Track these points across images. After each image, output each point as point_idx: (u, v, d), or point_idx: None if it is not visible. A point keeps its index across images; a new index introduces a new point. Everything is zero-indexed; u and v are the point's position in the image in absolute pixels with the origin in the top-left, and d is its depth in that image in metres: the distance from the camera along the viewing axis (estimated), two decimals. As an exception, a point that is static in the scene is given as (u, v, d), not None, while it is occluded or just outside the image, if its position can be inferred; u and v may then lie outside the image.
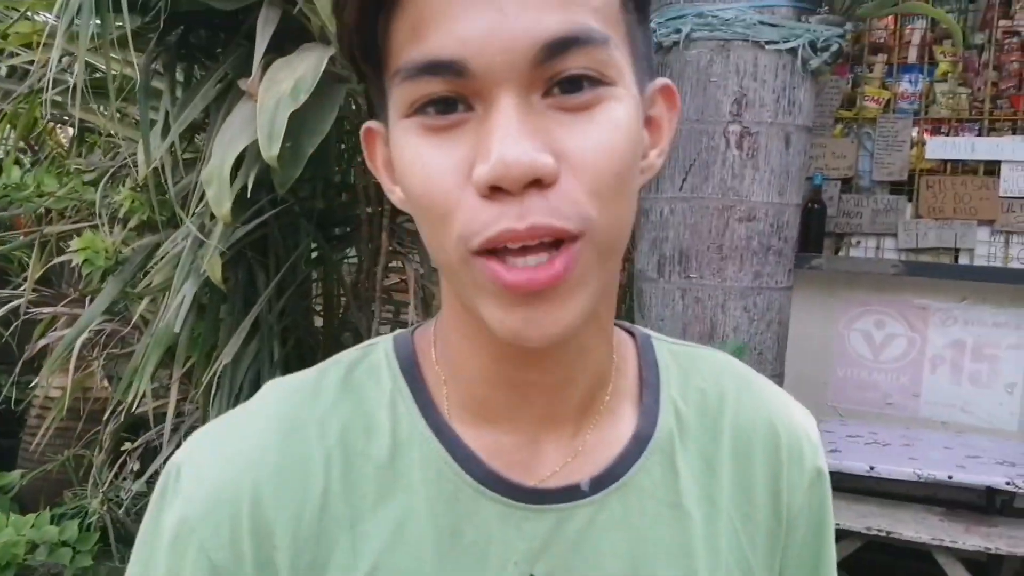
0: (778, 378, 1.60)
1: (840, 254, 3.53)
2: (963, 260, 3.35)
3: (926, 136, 3.38)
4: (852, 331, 3.51)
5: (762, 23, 1.38)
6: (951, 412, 3.37)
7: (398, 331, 0.59)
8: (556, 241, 0.44)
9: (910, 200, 3.42)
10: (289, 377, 0.57)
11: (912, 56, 3.43)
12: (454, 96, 0.44)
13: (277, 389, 0.55)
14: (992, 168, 3.30)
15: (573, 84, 0.44)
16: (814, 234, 3.45)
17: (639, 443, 0.57)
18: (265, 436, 0.52)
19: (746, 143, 1.43)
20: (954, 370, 3.38)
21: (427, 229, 0.48)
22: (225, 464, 0.51)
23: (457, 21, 0.42)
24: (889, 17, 3.43)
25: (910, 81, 3.43)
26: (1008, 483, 2.60)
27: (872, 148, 3.45)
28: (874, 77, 3.48)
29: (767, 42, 1.39)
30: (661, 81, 0.52)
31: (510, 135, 0.42)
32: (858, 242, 3.51)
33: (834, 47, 1.41)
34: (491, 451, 0.54)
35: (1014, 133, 3.28)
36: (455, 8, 0.42)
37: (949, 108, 3.37)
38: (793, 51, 1.39)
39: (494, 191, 0.43)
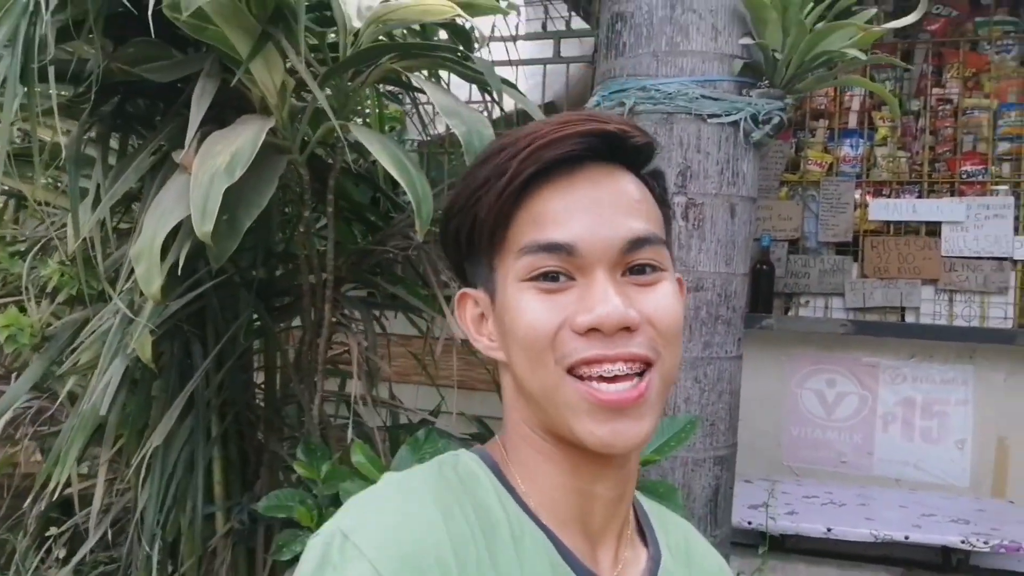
0: (731, 448, 1.57)
1: (790, 314, 3.56)
2: (909, 318, 3.40)
3: (868, 198, 3.47)
4: (804, 390, 3.53)
5: (704, 97, 1.39)
6: (904, 469, 3.38)
7: (467, 448, 0.70)
8: (639, 373, 0.61)
9: (856, 260, 3.48)
10: (410, 470, 0.67)
11: (852, 121, 3.54)
12: (562, 270, 0.62)
13: (412, 478, 0.65)
14: (933, 229, 3.39)
15: (642, 269, 0.63)
16: (763, 295, 3.49)
17: (654, 565, 0.70)
18: (430, 511, 0.61)
19: (692, 214, 1.42)
20: (905, 427, 3.40)
21: (527, 362, 0.63)
22: (405, 531, 0.59)
23: (572, 218, 0.61)
24: (829, 84, 3.56)
25: (851, 145, 3.53)
26: (963, 541, 2.60)
27: (817, 210, 3.52)
28: (816, 142, 3.57)
29: (710, 115, 1.40)
30: (677, 275, 0.69)
31: (609, 295, 0.60)
32: (807, 302, 3.55)
33: (775, 120, 1.43)
34: (574, 552, 0.65)
35: (952, 195, 3.38)
36: (570, 210, 0.62)
37: (890, 171, 3.47)
38: (735, 124, 1.40)
39: (591, 332, 0.60)
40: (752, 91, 1.45)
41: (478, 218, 0.64)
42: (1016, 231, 3.28)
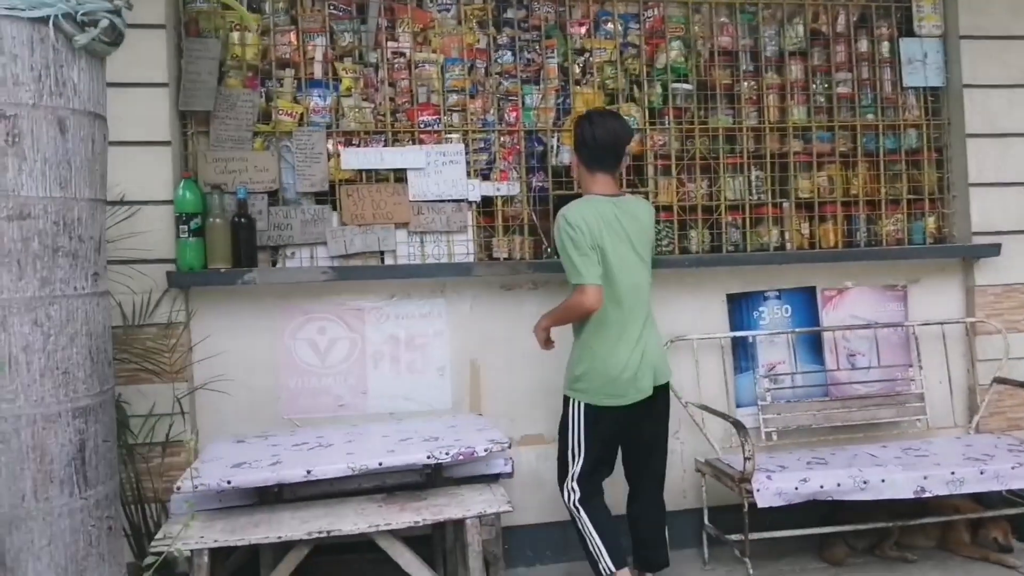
0: (99, 396, 1.39)
1: (277, 266, 3.52)
2: (388, 261, 3.59)
3: (340, 148, 3.54)
4: (297, 340, 3.53)
5: (2, -12, 1.18)
6: (396, 402, 3.58)
7: None
8: None
9: (335, 209, 3.55)
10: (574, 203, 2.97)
11: (318, 71, 3.57)
12: None
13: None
14: (401, 176, 3.60)
15: None
16: (246, 249, 3.38)
17: None
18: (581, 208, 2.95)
19: (2, 127, 1.21)
20: (393, 363, 3.60)
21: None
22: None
23: None
24: (291, 33, 3.54)
25: (319, 96, 3.56)
26: (429, 456, 2.81)
27: (293, 161, 3.51)
28: (285, 91, 3.54)
29: (6, 8, 1.19)
30: None
31: None
32: (292, 253, 3.53)
33: (103, 22, 1.27)
34: None
35: (414, 143, 3.62)
36: None
37: (357, 121, 3.58)
38: (45, 21, 1.22)
39: None
40: (69, -12, 1.28)
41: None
42: (468, 175, 3.63)
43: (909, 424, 3.85)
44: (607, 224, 2.90)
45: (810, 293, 3.92)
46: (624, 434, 3.06)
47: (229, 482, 2.65)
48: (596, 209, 2.90)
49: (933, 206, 4.04)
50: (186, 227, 3.27)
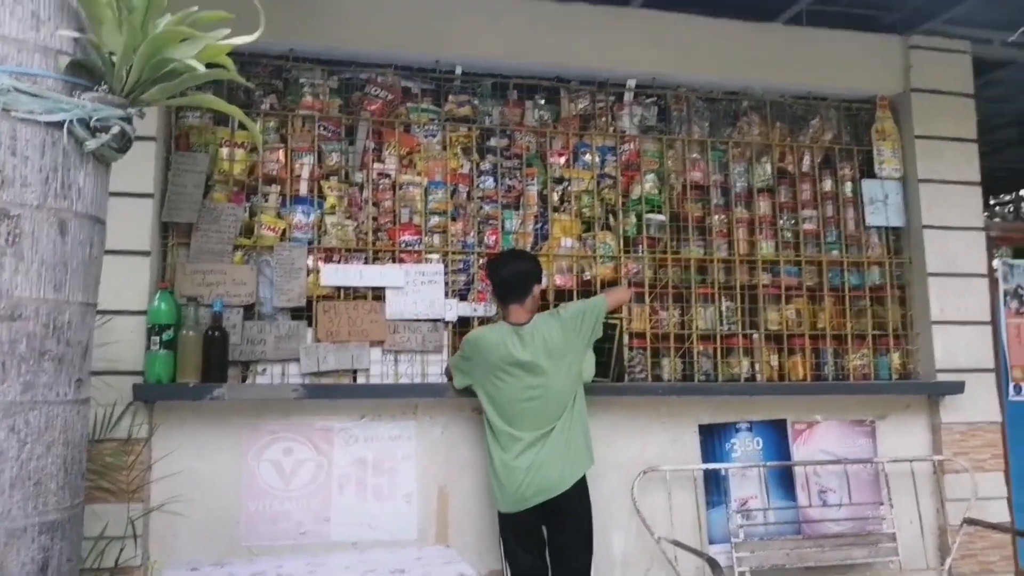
0: (70, 511, 1.31)
1: (247, 381, 3.43)
2: (361, 379, 3.52)
3: (320, 264, 3.55)
4: (262, 461, 3.39)
5: (19, 91, 1.19)
6: (359, 531, 3.42)
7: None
8: None
9: (310, 325, 3.52)
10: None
11: (303, 189, 3.62)
12: None
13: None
14: (379, 293, 3.60)
15: None
16: (216, 362, 3.30)
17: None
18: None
19: (4, 227, 1.19)
20: (359, 487, 3.47)
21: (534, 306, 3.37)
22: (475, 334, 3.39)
23: None
24: (280, 151, 3.61)
25: (303, 212, 3.60)
26: (395, 591, 2.67)
27: (272, 275, 3.49)
28: (270, 207, 3.57)
29: (26, 112, 1.19)
30: None
31: None
32: (264, 369, 3.46)
33: (115, 129, 1.28)
34: None
35: (394, 261, 3.64)
36: None
37: (339, 239, 3.61)
38: (62, 127, 1.22)
39: None
40: (86, 94, 1.29)
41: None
42: (446, 295, 3.65)
43: (882, 566, 3.77)
44: (500, 348, 3.19)
45: (781, 426, 3.92)
46: (535, 538, 3.20)
47: (183, 612, 2.48)
48: (496, 334, 3.24)
49: (897, 342, 4.14)
50: (158, 338, 3.20)
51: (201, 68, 1.30)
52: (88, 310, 1.32)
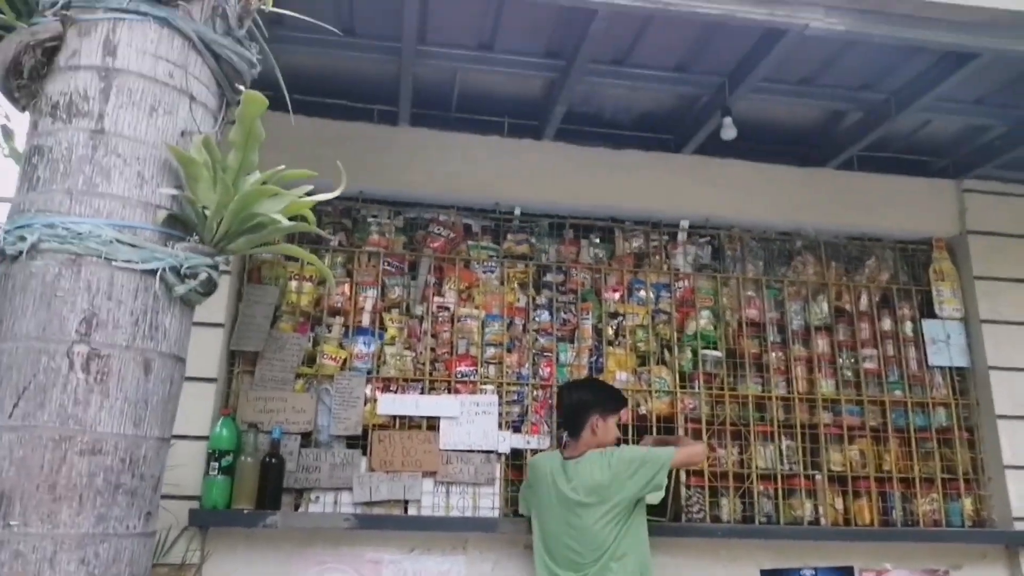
0: None
1: (300, 509, 3.45)
2: (412, 511, 3.51)
3: (378, 393, 3.62)
4: (310, 592, 3.37)
5: (120, 242, 1.31)
6: (405, 671, 3.33)
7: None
8: None
9: (364, 454, 3.55)
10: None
11: (366, 320, 3.75)
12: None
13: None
14: (433, 423, 3.64)
15: None
16: (272, 489, 3.34)
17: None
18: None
19: (94, 366, 1.28)
20: (407, 625, 3.39)
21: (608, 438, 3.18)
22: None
23: (623, 415, 3.43)
24: (345, 285, 3.77)
25: (364, 343, 3.71)
26: None
27: (330, 403, 3.57)
28: (332, 337, 3.70)
29: (124, 261, 1.31)
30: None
31: None
32: (317, 497, 3.48)
33: (203, 275, 1.40)
34: None
35: (449, 392, 3.69)
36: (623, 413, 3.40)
37: (397, 369, 3.69)
38: (154, 274, 1.34)
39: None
40: (178, 244, 1.41)
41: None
42: (500, 427, 3.66)
43: None
44: (547, 479, 3.14)
45: (848, 573, 3.73)
46: None
47: None
48: (547, 463, 3.21)
49: (969, 487, 3.96)
50: (217, 464, 3.27)
51: (285, 222, 1.42)
52: (163, 445, 1.39)
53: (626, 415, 3.24)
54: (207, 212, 1.40)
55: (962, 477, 3.96)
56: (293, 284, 3.70)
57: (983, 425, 4.02)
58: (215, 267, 1.42)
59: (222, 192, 1.36)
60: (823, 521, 3.80)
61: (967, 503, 3.93)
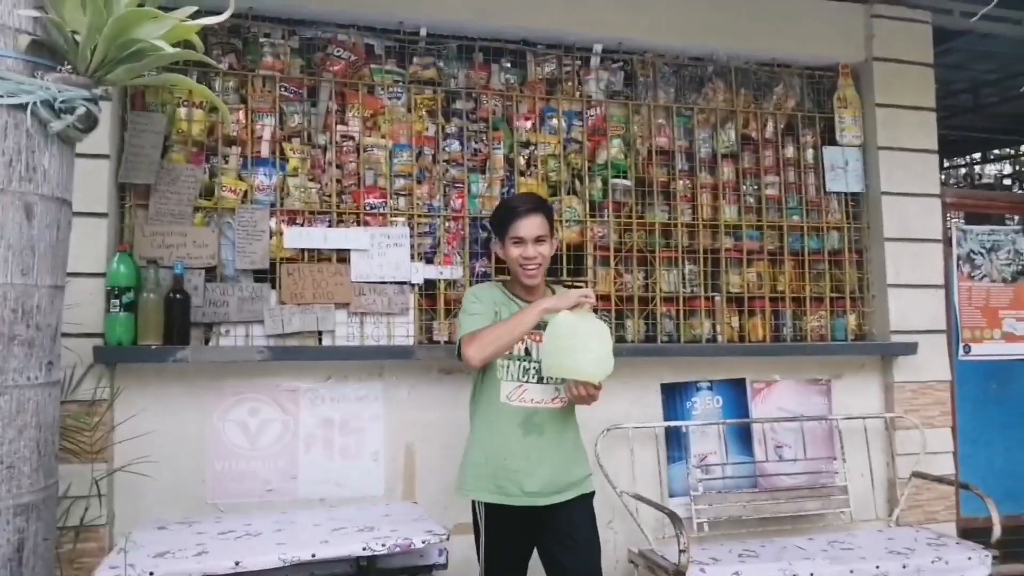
0: (44, 492, 1.32)
1: (211, 344, 3.42)
2: (326, 341, 3.54)
3: (283, 226, 3.52)
4: (227, 421, 3.41)
5: (-22, 72, 1.16)
6: (327, 488, 3.48)
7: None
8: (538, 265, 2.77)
9: (274, 287, 3.50)
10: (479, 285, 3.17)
11: (265, 150, 3.57)
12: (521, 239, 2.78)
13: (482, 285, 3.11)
14: (344, 256, 3.59)
15: (540, 239, 2.77)
16: (178, 325, 3.29)
17: None
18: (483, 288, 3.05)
19: (-33, 212, 1.17)
20: (326, 447, 3.51)
21: (510, 264, 2.82)
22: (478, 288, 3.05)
23: (520, 229, 2.75)
24: (240, 112, 3.54)
25: (265, 174, 3.55)
26: (364, 548, 2.72)
27: (234, 237, 3.46)
28: (230, 168, 3.52)
29: (-14, 94, 1.17)
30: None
31: (528, 248, 2.77)
32: (227, 331, 3.45)
33: (80, 110, 1.26)
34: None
35: (358, 224, 3.62)
36: (521, 226, 2.76)
37: (302, 201, 3.58)
38: (22, 108, 1.20)
39: (527, 259, 2.78)
40: (49, 75, 1.27)
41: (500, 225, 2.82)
42: (412, 258, 3.65)
43: (834, 516, 3.94)
44: None
45: (740, 385, 4.03)
46: None
47: (151, 573, 2.50)
48: None
49: (854, 305, 4.25)
50: (118, 301, 3.17)
51: (168, 48, 1.28)
52: (57, 293, 1.31)
53: (530, 228, 2.74)
54: (78, 38, 1.25)
55: (849, 296, 4.24)
56: (182, 111, 3.45)
57: (872, 247, 4.27)
58: (94, 100, 1.29)
59: (93, 14, 1.20)
60: (720, 339, 4.04)
61: (851, 320, 4.24)
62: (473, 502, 2.76)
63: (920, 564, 3.38)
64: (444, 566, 3.09)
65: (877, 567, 3.32)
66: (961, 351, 4.46)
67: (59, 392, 1.35)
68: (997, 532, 3.53)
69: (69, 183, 1.36)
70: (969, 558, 3.45)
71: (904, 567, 3.35)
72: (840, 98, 4.28)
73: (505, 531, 2.73)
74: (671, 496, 3.83)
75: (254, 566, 2.62)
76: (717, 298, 4.07)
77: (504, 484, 2.72)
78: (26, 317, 1.23)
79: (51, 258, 1.28)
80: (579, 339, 2.55)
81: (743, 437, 4.01)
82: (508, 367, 2.77)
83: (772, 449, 4.02)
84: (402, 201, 3.70)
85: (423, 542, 2.80)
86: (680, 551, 3.14)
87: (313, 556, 2.68)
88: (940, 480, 3.99)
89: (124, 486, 3.20)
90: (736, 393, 4.03)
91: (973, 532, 3.89)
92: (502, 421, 2.76)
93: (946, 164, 8.24)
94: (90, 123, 1.30)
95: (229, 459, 3.40)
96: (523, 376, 2.77)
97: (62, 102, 1.23)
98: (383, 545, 2.75)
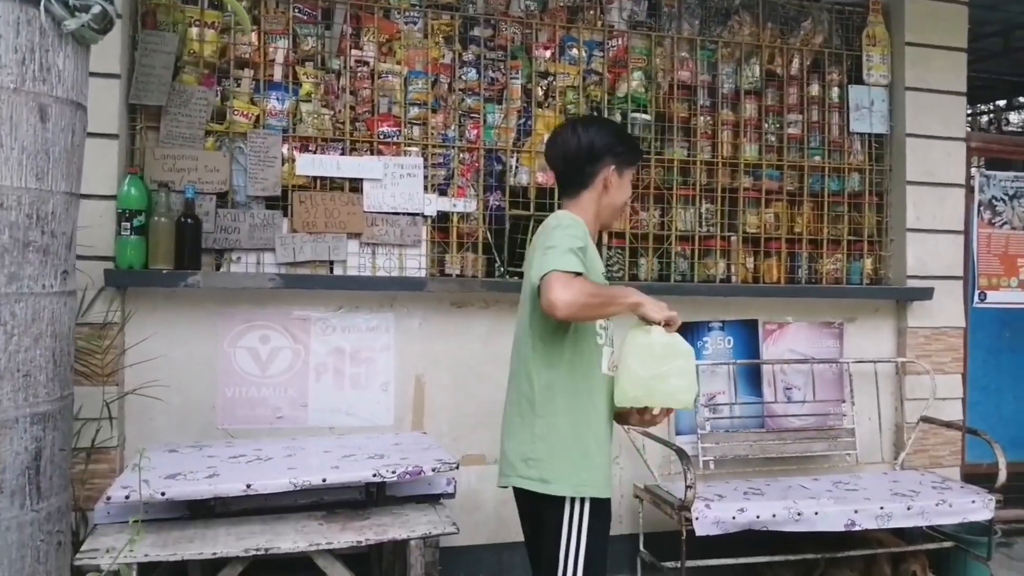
0: (60, 402, 1.31)
1: (221, 270, 3.39)
2: (337, 271, 3.50)
3: (296, 153, 3.46)
4: (238, 348, 3.40)
5: (-11, -38, 1.10)
6: (337, 417, 3.49)
7: None
8: None
9: (286, 215, 3.46)
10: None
11: (278, 74, 3.48)
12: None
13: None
14: (356, 185, 3.53)
15: None
16: (190, 250, 3.25)
17: None
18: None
19: (-20, 111, 1.12)
20: (336, 376, 3.51)
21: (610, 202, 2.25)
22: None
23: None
24: (253, 34, 3.44)
25: (277, 99, 3.47)
26: (375, 475, 2.74)
27: (245, 163, 3.40)
28: (243, 92, 3.43)
29: (-3, -14, 1.11)
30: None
31: None
32: (238, 258, 3.42)
33: (96, 8, 1.20)
34: None
35: (372, 153, 3.56)
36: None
37: (315, 127, 3.50)
38: (35, 3, 1.14)
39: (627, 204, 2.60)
40: (62, -31, 1.20)
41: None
42: (425, 189, 3.59)
43: (840, 458, 3.96)
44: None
45: (752, 326, 4.00)
46: None
47: (163, 494, 2.52)
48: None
49: (871, 248, 4.20)
50: (128, 224, 3.13)
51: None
52: (72, 200, 1.27)
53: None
54: (92, -70, 1.18)
55: (867, 239, 4.18)
56: (194, 31, 3.35)
57: (893, 190, 4.19)
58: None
59: (108, -96, 1.14)
60: (735, 279, 4.00)
61: (868, 263, 4.19)
62: (567, 498, 2.08)
63: (924, 506, 3.40)
64: (452, 495, 3.12)
65: (881, 508, 3.34)
66: (976, 298, 4.42)
67: (75, 302, 1.32)
68: (1003, 477, 3.54)
69: (84, 87, 1.31)
70: (973, 501, 3.47)
71: (908, 508, 3.37)
72: (869, 35, 4.15)
73: (605, 529, 2.16)
74: (678, 434, 3.84)
75: (265, 489, 2.64)
76: (733, 238, 4.02)
77: (609, 473, 2.17)
78: (41, 223, 1.19)
79: (66, 163, 1.24)
80: (676, 362, 2.04)
81: (753, 378, 4.00)
82: (609, 329, 2.18)
83: (781, 390, 4.02)
84: (416, 130, 3.62)
85: (433, 470, 2.82)
86: (687, 487, 3.15)
87: (324, 481, 2.70)
88: (949, 425, 3.99)
89: (135, 409, 3.22)
90: (748, 334, 4.00)
91: (976, 478, 3.91)
92: (603, 397, 2.13)
93: (968, 111, 8.05)
94: (106, 23, 1.24)
95: (240, 386, 3.40)
96: (612, 343, 2.19)
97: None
98: (393, 472, 2.76)
